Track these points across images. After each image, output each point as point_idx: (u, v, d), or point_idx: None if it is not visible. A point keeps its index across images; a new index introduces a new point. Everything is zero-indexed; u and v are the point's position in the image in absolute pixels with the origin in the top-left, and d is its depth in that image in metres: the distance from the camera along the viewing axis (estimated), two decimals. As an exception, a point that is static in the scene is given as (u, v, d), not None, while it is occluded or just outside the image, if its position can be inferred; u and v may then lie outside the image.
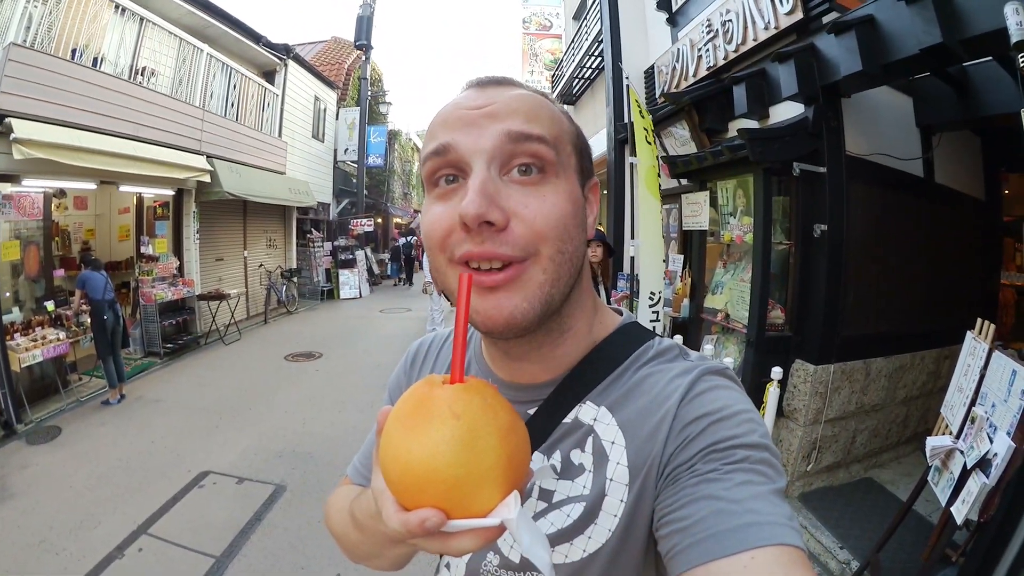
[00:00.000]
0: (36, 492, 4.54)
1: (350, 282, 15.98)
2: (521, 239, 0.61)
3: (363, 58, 16.86)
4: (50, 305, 6.62)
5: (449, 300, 0.68)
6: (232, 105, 11.06)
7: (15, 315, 6.50)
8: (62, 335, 6.46)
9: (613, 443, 0.69)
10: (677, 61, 5.75)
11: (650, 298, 5.00)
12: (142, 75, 8.58)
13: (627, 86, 5.26)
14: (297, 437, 5.55)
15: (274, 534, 3.88)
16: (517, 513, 0.46)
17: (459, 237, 0.62)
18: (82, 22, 7.20)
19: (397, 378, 1.00)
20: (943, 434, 2.90)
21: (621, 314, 0.84)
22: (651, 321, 5.06)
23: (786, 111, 4.35)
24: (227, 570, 3.51)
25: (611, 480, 0.68)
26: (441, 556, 0.79)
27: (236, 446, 5.33)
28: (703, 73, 5.26)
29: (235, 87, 11.17)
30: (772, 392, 3.77)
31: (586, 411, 0.73)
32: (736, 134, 4.25)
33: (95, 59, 7.62)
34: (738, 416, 0.63)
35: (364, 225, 16.86)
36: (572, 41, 11.09)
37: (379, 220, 22.31)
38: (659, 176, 5.21)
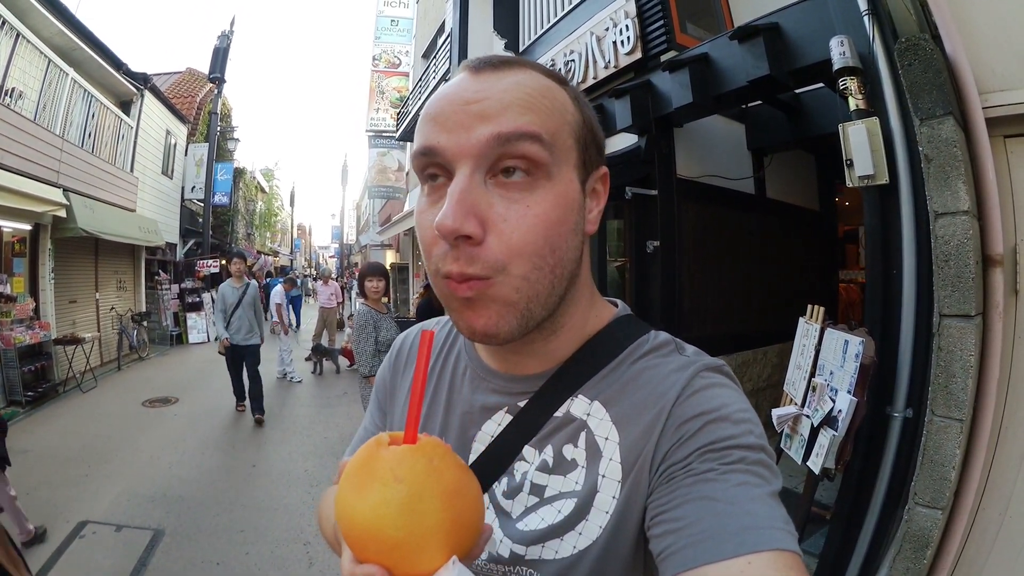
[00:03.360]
0: None
1: (198, 326, 15.57)
2: (492, 258, 0.61)
3: (216, 91, 16.71)
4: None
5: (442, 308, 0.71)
6: (89, 135, 10.78)
7: None
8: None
9: (607, 439, 0.70)
10: None
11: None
12: (10, 96, 8.31)
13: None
14: (166, 481, 5.62)
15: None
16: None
17: (442, 249, 0.62)
18: None
19: (382, 376, 1.00)
20: (788, 406, 3.34)
21: (616, 305, 0.85)
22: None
23: (621, 141, 5.04)
24: (125, 619, 3.50)
25: (603, 476, 0.68)
26: None
27: (108, 494, 5.32)
28: None
29: (93, 116, 10.90)
30: None
31: (578, 405, 0.73)
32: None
33: None
34: (735, 416, 0.64)
35: (210, 266, 16.48)
36: (420, 79, 11.63)
37: (224, 261, 21.72)
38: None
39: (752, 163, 5.54)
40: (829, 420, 2.87)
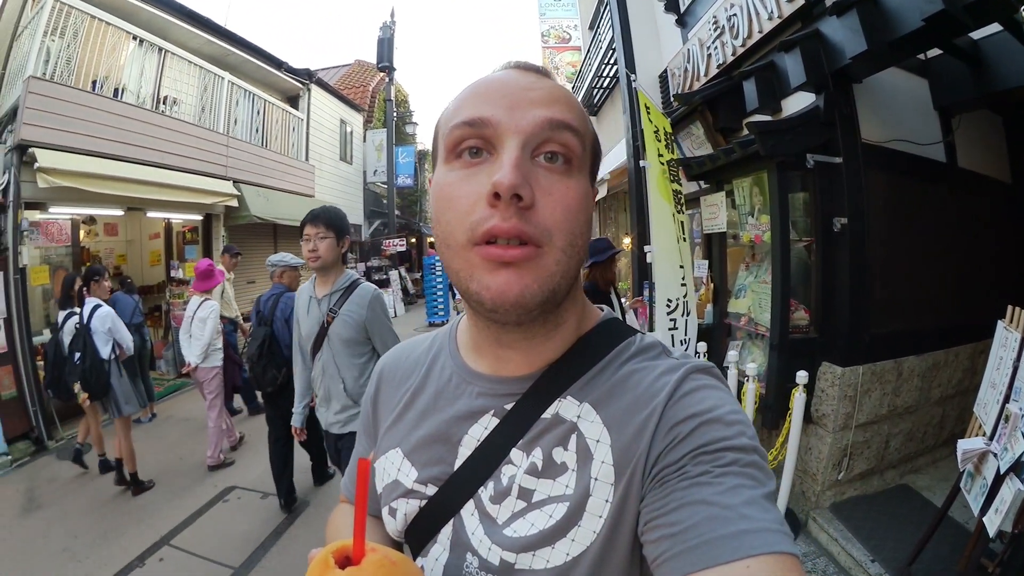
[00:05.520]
0: (63, 503, 4.75)
1: (387, 301, 15.90)
2: (542, 223, 0.61)
3: (387, 80, 16.92)
4: (81, 327, 6.70)
5: (455, 289, 0.68)
6: (257, 131, 11.19)
7: (46, 337, 6.61)
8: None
9: (598, 441, 0.67)
10: (688, 62, 5.59)
11: (667, 305, 4.80)
12: (164, 104, 8.74)
13: (635, 89, 5.10)
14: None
15: (293, 547, 3.91)
16: None
17: (484, 213, 0.60)
18: (101, 54, 7.42)
19: (365, 405, 0.95)
20: (976, 435, 2.60)
21: (603, 310, 0.82)
22: (669, 329, 4.85)
23: (798, 102, 4.15)
24: (244, 582, 3.57)
25: (596, 479, 0.65)
26: (413, 560, 0.77)
27: (263, 463, 5.09)
28: (713, 72, 5.08)
29: (259, 113, 11.31)
30: (798, 398, 3.57)
31: (568, 407, 0.70)
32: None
33: (116, 89, 7.80)
34: (727, 417, 0.61)
35: (396, 245, 16.67)
36: (587, 51, 10.93)
37: (412, 240, 22.26)
38: (671, 179, 5.02)
39: (940, 125, 4.39)
40: (1017, 466, 2.18)
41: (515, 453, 0.71)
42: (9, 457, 5.68)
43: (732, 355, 4.30)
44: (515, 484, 0.69)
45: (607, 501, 0.64)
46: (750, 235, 4.62)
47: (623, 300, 5.70)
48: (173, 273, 9.14)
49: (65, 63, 6.88)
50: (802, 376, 3.54)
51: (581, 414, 0.69)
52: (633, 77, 5.36)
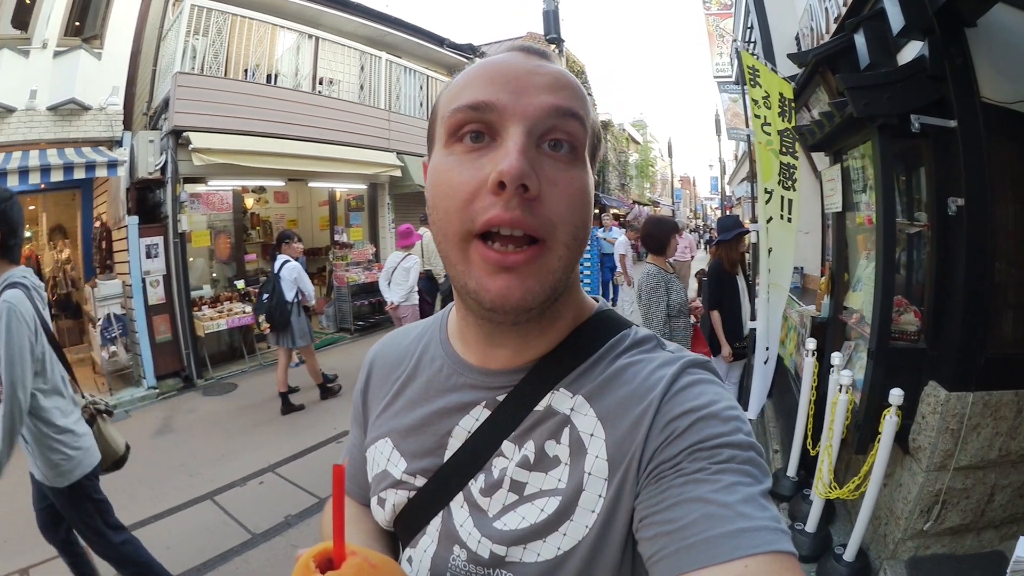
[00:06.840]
0: (193, 430, 5.37)
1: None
2: (547, 216, 0.57)
3: (557, 52, 16.32)
4: (240, 283, 7.40)
5: (447, 277, 0.55)
6: (420, 104, 11.38)
7: (206, 291, 7.54)
8: (248, 309, 7.25)
9: (592, 435, 0.63)
10: (812, 20, 4.67)
11: (767, 293, 4.09)
12: (321, 84, 9.16)
13: (735, 50, 4.29)
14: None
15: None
16: None
17: (486, 201, 0.56)
18: (248, 46, 8.05)
19: (356, 394, 0.90)
20: None
21: (597, 301, 0.79)
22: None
23: (905, 54, 3.19)
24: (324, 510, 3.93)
25: (589, 474, 0.62)
26: (402, 550, 0.76)
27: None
28: (833, 27, 4.14)
29: (422, 88, 11.49)
30: (888, 421, 2.73)
31: (560, 399, 0.66)
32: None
33: (269, 76, 8.42)
34: (724, 413, 0.58)
35: None
36: (735, 15, 9.88)
37: (596, 211, 21.91)
38: (784, 151, 4.17)
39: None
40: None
41: (507, 445, 0.67)
42: (157, 391, 6.52)
43: (836, 357, 3.46)
44: (506, 477, 0.66)
45: (600, 496, 0.61)
46: (863, 216, 3.69)
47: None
48: (337, 237, 9.71)
49: (212, 57, 7.57)
50: (896, 395, 2.73)
51: (574, 407, 0.66)
52: (736, 38, 4.54)
